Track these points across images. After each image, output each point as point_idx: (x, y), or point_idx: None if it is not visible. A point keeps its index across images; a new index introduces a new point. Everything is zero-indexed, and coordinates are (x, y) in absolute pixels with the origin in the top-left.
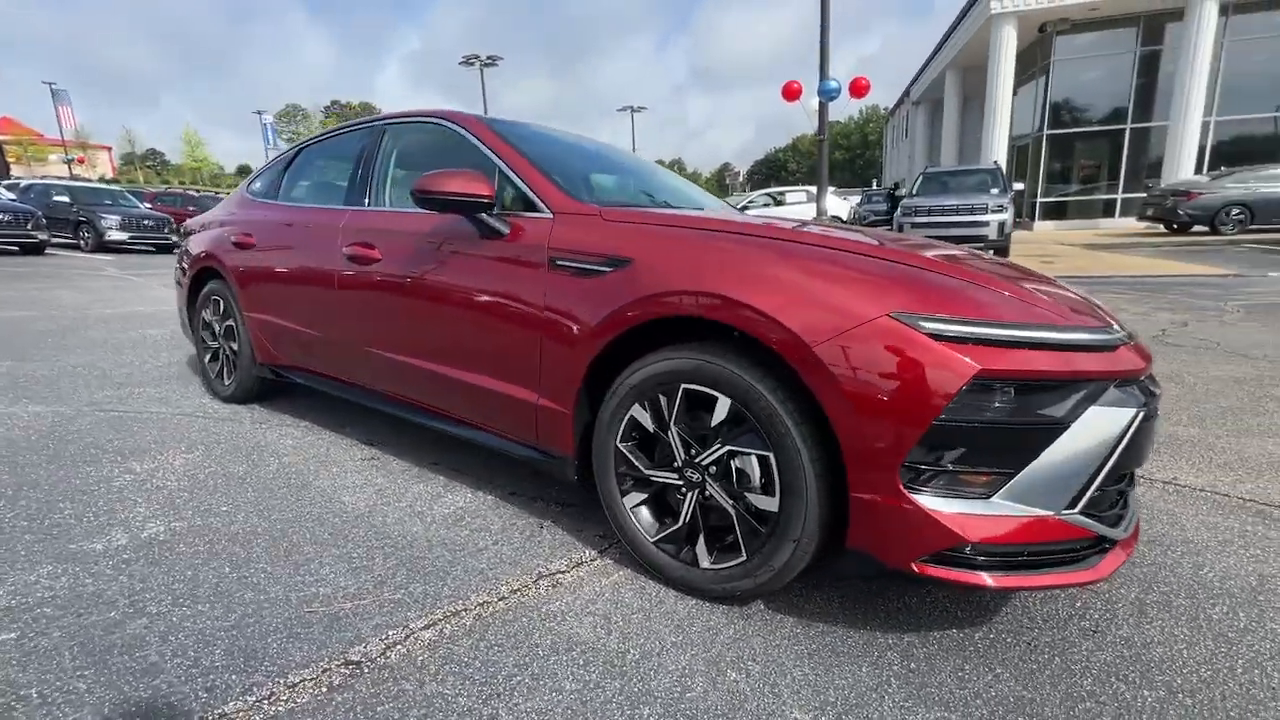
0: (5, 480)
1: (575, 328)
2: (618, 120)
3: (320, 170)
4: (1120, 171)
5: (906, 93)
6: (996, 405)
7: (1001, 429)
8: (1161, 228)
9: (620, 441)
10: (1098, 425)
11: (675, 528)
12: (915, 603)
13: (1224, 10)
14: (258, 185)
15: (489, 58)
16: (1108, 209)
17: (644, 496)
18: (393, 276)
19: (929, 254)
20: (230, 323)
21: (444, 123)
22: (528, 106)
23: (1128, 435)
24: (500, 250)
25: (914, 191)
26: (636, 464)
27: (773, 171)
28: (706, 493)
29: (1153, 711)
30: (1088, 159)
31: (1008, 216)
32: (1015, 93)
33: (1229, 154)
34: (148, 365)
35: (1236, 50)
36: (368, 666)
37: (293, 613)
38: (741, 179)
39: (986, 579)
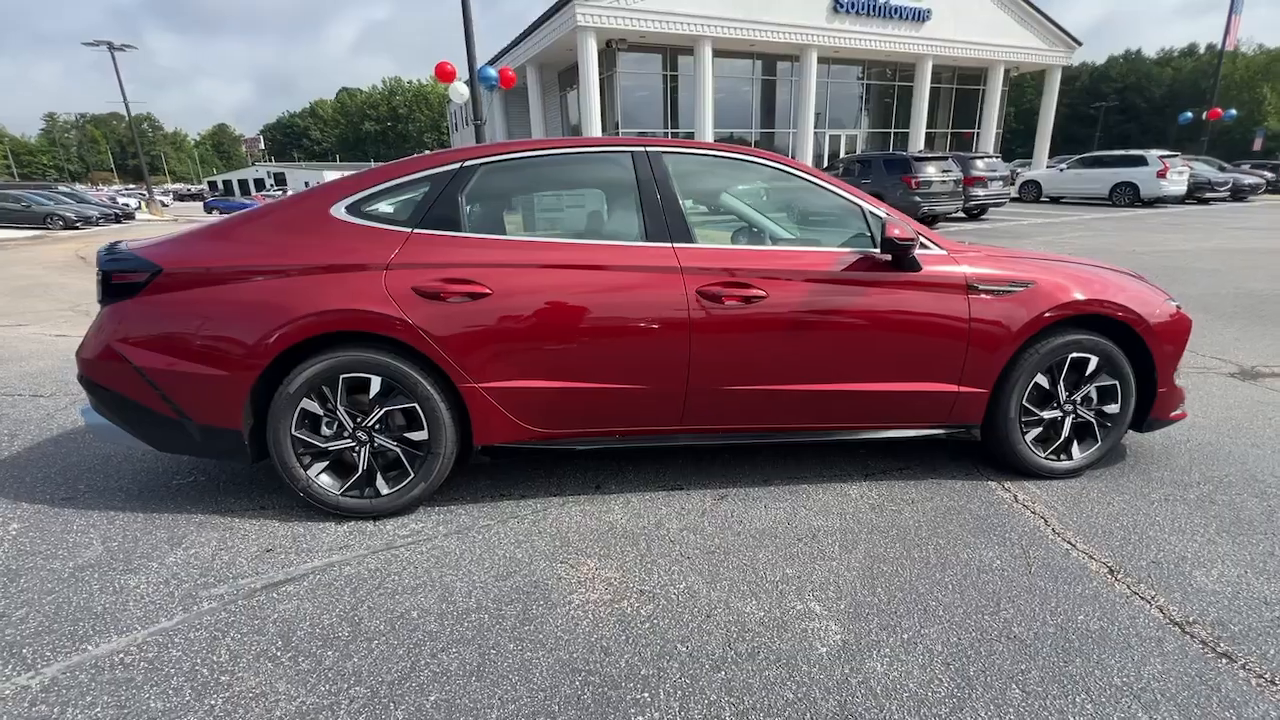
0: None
1: (999, 332)
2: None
3: (540, 196)
4: None
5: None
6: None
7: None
8: None
9: (1025, 400)
10: None
11: (1060, 442)
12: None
13: (715, 54)
14: (387, 208)
15: None
16: None
17: (1039, 431)
18: (792, 311)
19: (1119, 266)
20: (402, 406)
21: (770, 164)
22: None
23: None
24: (922, 279)
25: None
26: (1034, 411)
27: (291, 139)
28: (1077, 415)
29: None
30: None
31: None
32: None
33: None
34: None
35: (720, 83)
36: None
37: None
38: (263, 147)
39: (1182, 416)
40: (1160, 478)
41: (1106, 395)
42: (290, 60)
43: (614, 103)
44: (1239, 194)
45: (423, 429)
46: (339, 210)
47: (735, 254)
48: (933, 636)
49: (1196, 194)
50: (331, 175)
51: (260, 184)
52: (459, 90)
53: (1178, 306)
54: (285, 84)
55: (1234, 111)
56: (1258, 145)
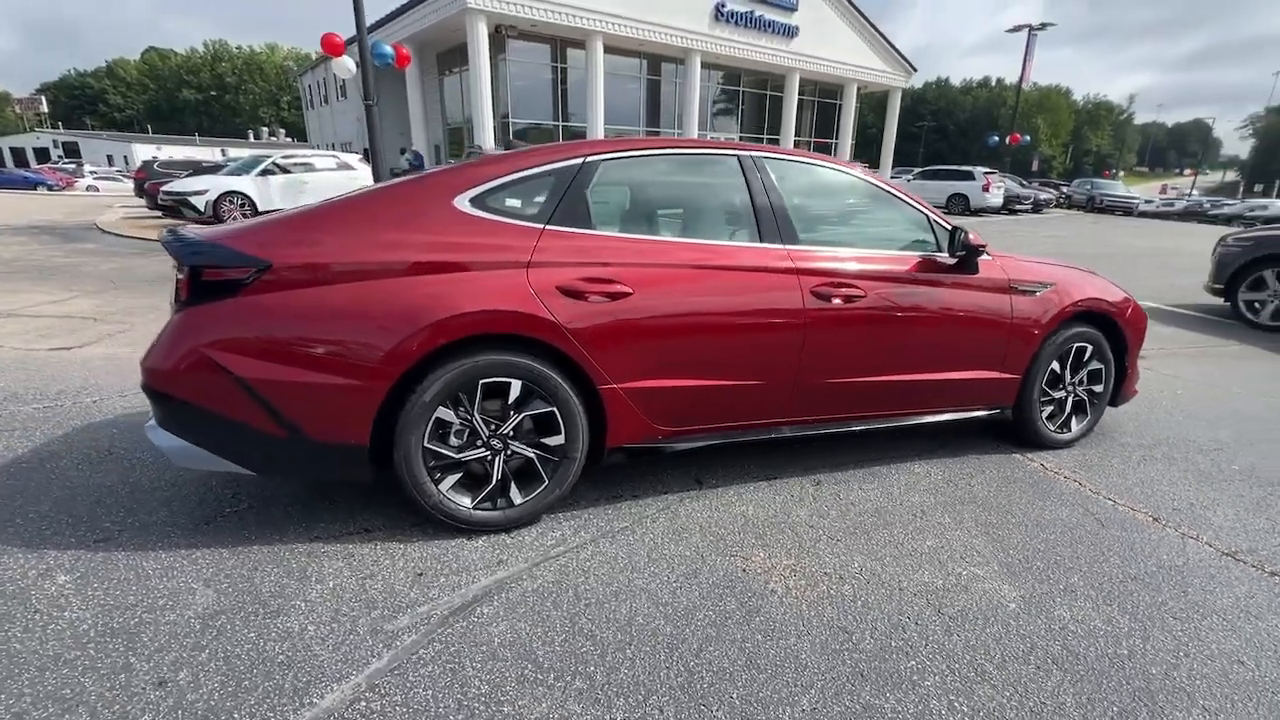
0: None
1: (1032, 326)
2: None
3: (658, 196)
4: None
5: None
6: None
7: None
8: None
9: (1044, 384)
10: None
11: (1063, 418)
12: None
13: (605, 50)
14: (514, 202)
15: None
16: None
17: (1051, 409)
18: (884, 308)
19: (1081, 266)
20: (539, 411)
21: (848, 172)
22: None
23: None
24: (978, 281)
25: None
26: (1050, 392)
27: (84, 104)
28: (1075, 395)
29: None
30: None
31: None
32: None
33: None
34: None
35: (607, 80)
36: None
37: None
38: (45, 110)
39: (1137, 392)
40: (1128, 443)
41: (1094, 377)
42: (74, 9)
43: (501, 91)
44: (1038, 207)
45: (558, 433)
46: (463, 203)
47: (834, 256)
48: (1081, 584)
49: (1007, 206)
50: (144, 149)
51: (44, 154)
52: (345, 65)
53: (1133, 301)
54: (68, 36)
55: (1028, 137)
56: (1035, 166)
